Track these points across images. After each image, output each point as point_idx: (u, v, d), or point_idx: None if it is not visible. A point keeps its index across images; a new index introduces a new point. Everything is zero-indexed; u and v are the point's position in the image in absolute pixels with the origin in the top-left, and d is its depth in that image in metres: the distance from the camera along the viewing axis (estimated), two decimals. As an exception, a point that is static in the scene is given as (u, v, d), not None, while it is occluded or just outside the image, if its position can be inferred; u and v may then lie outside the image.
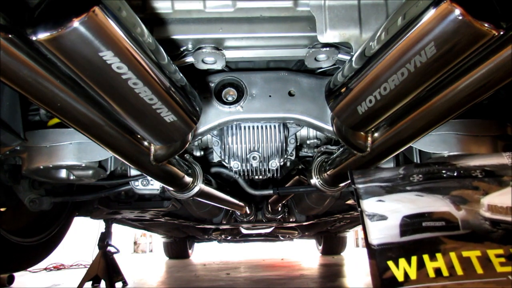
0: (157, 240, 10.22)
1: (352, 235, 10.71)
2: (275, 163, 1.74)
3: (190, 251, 7.69)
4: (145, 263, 7.42)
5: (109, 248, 3.26)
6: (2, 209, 2.45)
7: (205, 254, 8.62)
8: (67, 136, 1.59)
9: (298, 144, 1.83)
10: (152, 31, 1.23)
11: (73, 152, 1.60)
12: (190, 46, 1.29)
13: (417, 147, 1.67)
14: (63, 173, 1.74)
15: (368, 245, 0.70)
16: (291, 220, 3.73)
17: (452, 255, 0.64)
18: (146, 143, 1.31)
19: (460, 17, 0.75)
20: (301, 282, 3.52)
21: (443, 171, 0.72)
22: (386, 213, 0.71)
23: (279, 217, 3.45)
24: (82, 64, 0.79)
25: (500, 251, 0.62)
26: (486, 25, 0.75)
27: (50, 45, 0.72)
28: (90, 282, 3.08)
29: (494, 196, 0.68)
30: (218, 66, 1.37)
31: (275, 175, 1.81)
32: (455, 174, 0.72)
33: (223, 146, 1.72)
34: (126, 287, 3.44)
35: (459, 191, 0.69)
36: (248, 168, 1.75)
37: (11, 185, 2.11)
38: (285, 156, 1.75)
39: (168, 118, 1.06)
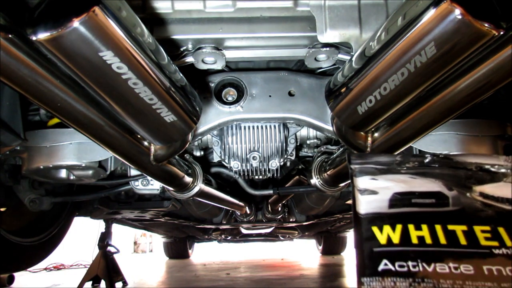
0: (157, 240, 10.22)
1: (352, 235, 10.70)
2: (275, 163, 1.74)
3: (190, 251, 7.69)
4: (145, 263, 7.42)
5: (109, 248, 3.27)
6: (2, 209, 2.45)
7: (205, 254, 8.62)
8: (67, 136, 1.59)
9: (298, 144, 1.83)
10: (152, 31, 1.23)
11: (73, 152, 1.60)
12: (190, 46, 1.29)
13: (417, 147, 1.67)
14: (63, 173, 1.74)
15: (355, 214, 0.71)
16: (291, 220, 3.73)
17: (438, 227, 0.65)
18: (146, 143, 1.31)
19: (460, 17, 0.75)
20: (301, 282, 3.52)
21: (439, 162, 0.73)
22: (377, 189, 0.72)
23: (279, 217, 3.44)
24: (82, 64, 0.79)
25: (487, 228, 0.63)
26: (486, 25, 0.75)
27: (50, 45, 0.72)
28: (90, 282, 3.08)
29: (485, 187, 0.69)
30: (218, 66, 1.37)
31: (275, 175, 1.81)
32: (450, 165, 0.73)
33: (223, 146, 1.72)
34: (126, 287, 3.44)
35: (453, 177, 0.70)
36: (248, 168, 1.75)
37: (11, 185, 2.11)
38: (285, 156, 1.75)
39: (168, 118, 1.06)
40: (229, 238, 5.89)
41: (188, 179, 1.79)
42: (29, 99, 0.94)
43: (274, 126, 1.66)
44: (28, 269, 3.78)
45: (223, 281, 3.77)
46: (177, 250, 7.29)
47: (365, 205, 0.71)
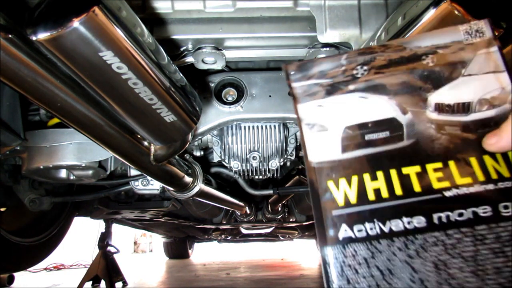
0: (157, 240, 10.22)
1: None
2: (275, 163, 1.74)
3: (190, 251, 7.70)
4: (145, 263, 7.42)
5: (109, 248, 3.27)
6: (2, 209, 2.45)
7: (205, 254, 8.63)
8: (67, 136, 1.59)
9: (298, 144, 1.83)
10: (152, 31, 1.23)
11: (73, 152, 1.60)
12: (190, 46, 1.29)
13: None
14: (63, 173, 1.74)
15: (307, 163, 0.61)
16: (291, 220, 3.74)
17: (393, 172, 0.58)
18: (146, 143, 1.31)
19: (460, 17, 0.75)
20: (301, 282, 3.52)
21: (389, 59, 0.63)
22: (326, 123, 0.62)
23: (279, 217, 3.45)
24: (82, 64, 0.79)
25: (439, 165, 0.57)
26: (486, 25, 0.75)
27: (50, 45, 0.72)
28: (90, 282, 3.08)
29: (442, 91, 0.60)
30: (218, 66, 1.37)
31: (275, 175, 1.81)
32: (401, 60, 0.63)
33: (223, 146, 1.72)
34: (126, 287, 3.44)
35: (407, 87, 0.61)
36: (248, 168, 1.75)
37: (11, 185, 2.11)
38: (285, 156, 1.75)
39: (168, 118, 1.06)
40: (229, 238, 5.89)
41: (188, 179, 1.79)
42: (29, 99, 0.94)
43: (274, 126, 1.66)
44: (28, 269, 3.78)
45: (223, 281, 3.77)
46: (177, 250, 7.29)
47: (317, 149, 0.61)
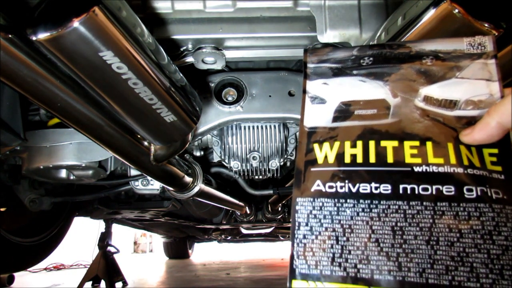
0: (157, 240, 10.22)
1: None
2: (275, 163, 1.74)
3: (190, 251, 7.71)
4: (145, 263, 7.43)
5: (109, 248, 3.27)
6: (2, 209, 2.45)
7: (205, 254, 8.63)
8: (67, 136, 1.59)
9: (298, 144, 1.84)
10: (152, 31, 1.23)
11: (73, 152, 1.60)
12: (190, 46, 1.29)
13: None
14: (63, 173, 1.74)
15: (302, 128, 0.69)
16: (291, 220, 3.73)
17: (371, 143, 0.64)
18: (146, 143, 1.31)
19: (460, 17, 0.75)
20: (301, 282, 3.51)
21: (394, 55, 0.69)
22: (326, 98, 0.69)
23: (279, 217, 3.45)
24: (82, 64, 0.79)
25: (416, 143, 0.62)
26: (486, 25, 0.75)
27: (50, 45, 0.72)
28: (90, 282, 3.08)
29: (433, 87, 0.66)
30: (218, 66, 1.37)
31: (275, 175, 1.81)
32: (404, 58, 0.69)
33: (223, 146, 1.72)
34: (126, 287, 3.44)
35: (402, 81, 0.68)
36: (248, 168, 1.75)
37: (11, 185, 2.11)
38: (285, 156, 1.75)
39: (168, 118, 1.06)
40: (229, 238, 5.90)
41: (188, 179, 1.79)
42: (29, 99, 0.94)
43: (274, 126, 1.66)
44: (28, 269, 3.78)
45: (223, 281, 3.77)
46: (177, 250, 7.30)
47: (312, 117, 0.69)
